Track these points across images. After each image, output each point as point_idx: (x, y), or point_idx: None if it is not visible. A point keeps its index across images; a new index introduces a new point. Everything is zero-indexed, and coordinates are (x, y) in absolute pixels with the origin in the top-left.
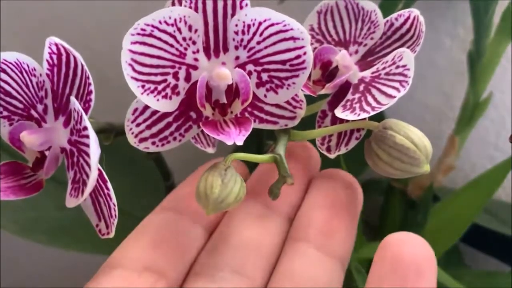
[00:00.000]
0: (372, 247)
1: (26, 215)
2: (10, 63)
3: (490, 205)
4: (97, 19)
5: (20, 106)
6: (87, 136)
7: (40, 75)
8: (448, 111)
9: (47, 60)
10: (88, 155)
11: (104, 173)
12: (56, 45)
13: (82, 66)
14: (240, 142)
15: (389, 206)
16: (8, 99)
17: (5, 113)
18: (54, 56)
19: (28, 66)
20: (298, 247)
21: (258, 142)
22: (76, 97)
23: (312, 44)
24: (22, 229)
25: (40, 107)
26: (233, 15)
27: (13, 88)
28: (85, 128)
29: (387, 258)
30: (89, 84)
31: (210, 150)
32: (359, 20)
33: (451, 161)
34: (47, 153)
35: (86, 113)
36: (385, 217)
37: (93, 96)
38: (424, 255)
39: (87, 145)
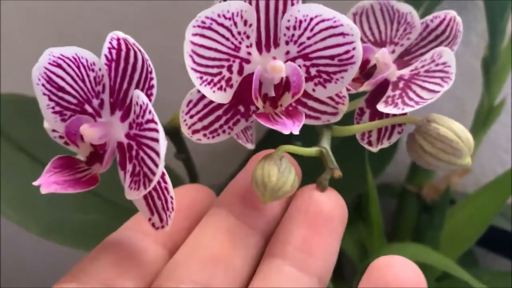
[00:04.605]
0: (391, 248)
1: (50, 217)
2: (67, 57)
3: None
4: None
5: (74, 101)
6: (152, 130)
7: (99, 69)
8: (460, 116)
9: (105, 55)
10: (150, 148)
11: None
12: (118, 39)
13: (144, 61)
14: (296, 132)
15: (404, 209)
16: (61, 94)
17: (57, 108)
18: (114, 51)
19: (86, 61)
20: (274, 264)
21: (286, 143)
22: None
23: None
24: (46, 231)
25: (96, 102)
26: (284, 11)
27: (67, 83)
28: (150, 121)
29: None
30: (151, 78)
31: (250, 146)
32: (394, 21)
33: None
34: (99, 148)
35: None
36: (399, 220)
37: (154, 91)
38: (413, 280)
39: (151, 139)
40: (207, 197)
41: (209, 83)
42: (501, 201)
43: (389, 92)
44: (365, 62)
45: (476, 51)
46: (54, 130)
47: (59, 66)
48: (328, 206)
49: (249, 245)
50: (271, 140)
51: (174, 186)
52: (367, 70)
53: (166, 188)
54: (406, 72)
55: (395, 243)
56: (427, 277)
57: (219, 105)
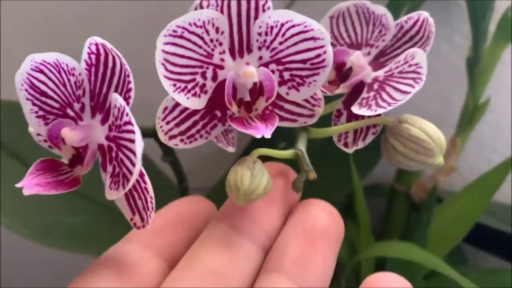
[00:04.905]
0: (379, 247)
1: (40, 220)
2: (49, 63)
3: (488, 205)
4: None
5: (56, 105)
6: (129, 131)
7: (80, 74)
8: (447, 115)
9: (85, 60)
10: (128, 149)
11: (142, 167)
12: (96, 45)
13: (122, 65)
14: (268, 136)
15: (393, 209)
16: (44, 99)
17: (40, 113)
18: (93, 56)
19: (67, 66)
20: (270, 277)
21: (270, 144)
22: None
23: None
24: (36, 234)
25: (77, 106)
26: (255, 17)
27: (49, 88)
28: (128, 123)
29: None
30: (129, 82)
31: (230, 149)
32: (370, 23)
33: (452, 162)
34: (81, 150)
35: None
36: (389, 220)
37: (132, 94)
38: None
39: (129, 140)
40: (207, 209)
41: (182, 90)
42: (487, 198)
43: (364, 94)
44: (341, 64)
45: (461, 51)
46: (38, 134)
47: (41, 71)
48: (325, 222)
49: (248, 258)
50: (261, 143)
51: (164, 188)
52: (343, 73)
53: (146, 189)
54: (380, 73)
55: (383, 241)
56: (415, 275)
57: (196, 111)
